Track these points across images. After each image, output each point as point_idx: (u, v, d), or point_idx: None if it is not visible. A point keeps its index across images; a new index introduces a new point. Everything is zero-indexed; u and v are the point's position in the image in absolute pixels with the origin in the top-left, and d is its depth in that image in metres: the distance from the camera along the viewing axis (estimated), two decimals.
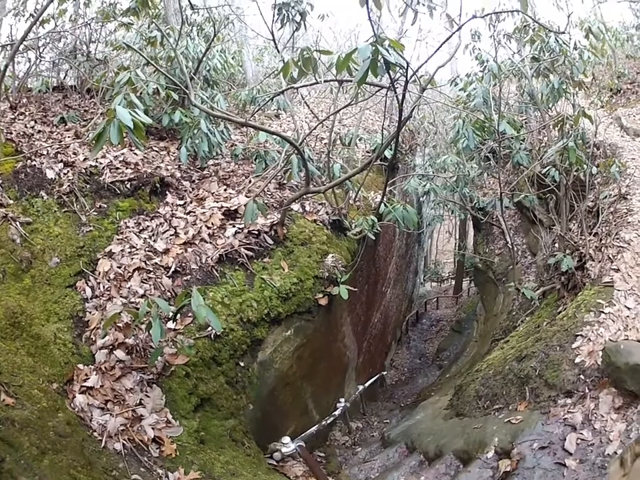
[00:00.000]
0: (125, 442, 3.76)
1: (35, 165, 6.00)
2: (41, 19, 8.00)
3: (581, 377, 4.55)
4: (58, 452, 3.13)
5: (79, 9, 8.94)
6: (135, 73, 6.02)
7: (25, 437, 3.02)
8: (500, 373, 5.61)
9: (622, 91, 14.94)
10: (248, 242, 6.24)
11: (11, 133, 6.64)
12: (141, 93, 6.59)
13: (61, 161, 6.29)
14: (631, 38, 16.02)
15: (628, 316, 5.11)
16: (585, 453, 3.85)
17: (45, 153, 6.38)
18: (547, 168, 7.97)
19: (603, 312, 5.23)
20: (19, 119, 7.33)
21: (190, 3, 6.02)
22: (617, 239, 6.67)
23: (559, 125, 7.34)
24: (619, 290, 5.57)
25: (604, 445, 3.81)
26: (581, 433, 4.03)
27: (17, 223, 5.11)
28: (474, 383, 6.01)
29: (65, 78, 9.80)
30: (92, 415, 3.86)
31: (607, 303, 5.37)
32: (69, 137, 7.17)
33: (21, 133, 6.79)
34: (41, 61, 8.89)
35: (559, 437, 4.12)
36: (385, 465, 6.22)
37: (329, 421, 7.29)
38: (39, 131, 7.13)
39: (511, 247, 10.03)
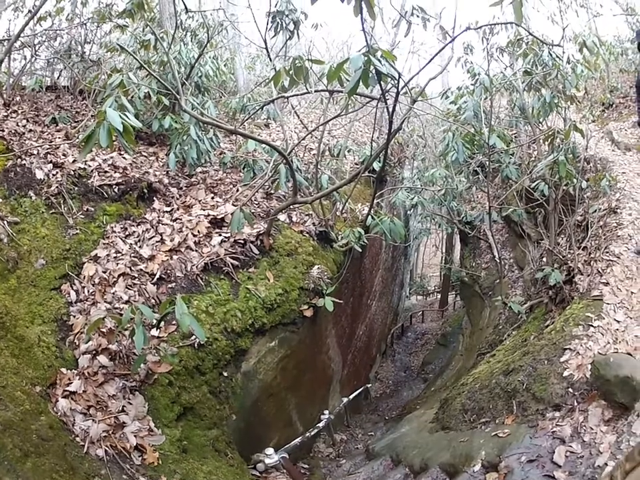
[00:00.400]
0: (107, 448, 3.72)
1: (24, 165, 5.98)
2: (38, 15, 7.99)
3: (570, 390, 4.52)
4: (41, 455, 3.10)
5: (75, 7, 8.89)
6: (127, 75, 5.97)
7: (8, 438, 3.00)
8: (486, 386, 5.57)
9: (614, 105, 15.02)
10: (234, 251, 6.20)
11: (3, 131, 6.60)
12: (132, 97, 6.55)
13: (51, 161, 6.26)
14: (625, 52, 16.04)
15: (617, 329, 5.09)
16: (574, 466, 3.80)
17: (35, 152, 6.34)
18: (536, 182, 7.98)
19: (592, 325, 5.20)
20: (11, 117, 7.28)
21: (185, 7, 5.99)
22: (607, 252, 6.67)
23: (550, 139, 7.36)
24: (608, 303, 5.55)
25: (594, 457, 3.77)
26: (570, 446, 3.98)
27: (5, 222, 5.07)
28: (460, 397, 5.97)
29: (58, 78, 9.77)
30: (74, 420, 3.81)
31: (596, 316, 5.34)
32: (59, 137, 7.14)
33: (13, 131, 6.75)
34: (36, 59, 8.88)
35: (547, 450, 4.08)
36: (369, 478, 6.16)
37: (312, 433, 7.27)
38: (30, 130, 7.09)
39: (498, 260, 10.04)
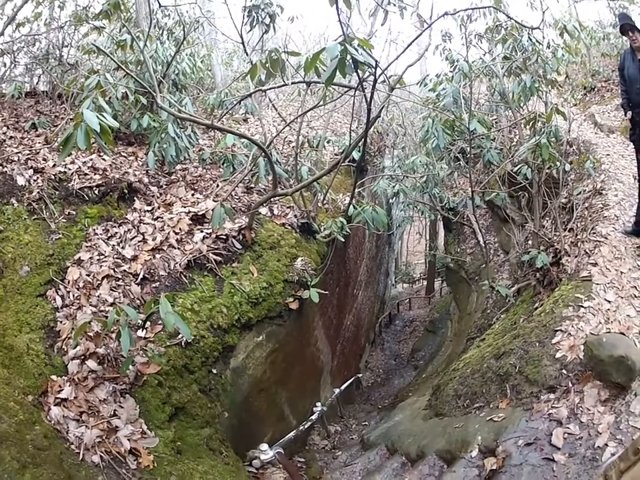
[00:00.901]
0: (102, 454, 3.68)
1: (6, 172, 5.94)
2: (16, 21, 7.90)
3: (563, 371, 4.52)
4: (38, 465, 3.08)
5: (53, 11, 8.79)
6: (104, 76, 5.90)
7: (5, 450, 2.97)
8: (478, 371, 5.57)
9: (596, 89, 15.11)
10: (216, 247, 6.18)
11: None
12: (110, 98, 6.48)
13: (31, 167, 6.21)
14: (607, 36, 15.97)
15: (609, 309, 5.11)
16: (573, 447, 3.81)
17: (15, 159, 6.29)
18: (519, 166, 7.98)
19: (582, 306, 5.22)
20: None
21: (159, 3, 5.92)
22: (594, 233, 6.70)
23: (531, 123, 7.35)
24: (597, 284, 5.57)
25: (593, 438, 3.79)
26: (568, 427, 3.99)
27: None
28: (452, 382, 5.97)
29: (37, 83, 9.71)
30: (68, 427, 3.77)
31: (586, 297, 5.36)
32: (39, 142, 7.10)
33: None
34: (15, 65, 8.79)
35: (544, 433, 4.09)
36: (366, 468, 6.14)
37: (306, 426, 7.26)
38: (11, 137, 7.05)
39: (483, 245, 10.06)
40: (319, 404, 8.08)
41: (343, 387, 9.99)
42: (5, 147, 6.61)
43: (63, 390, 4.04)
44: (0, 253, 4.93)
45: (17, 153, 6.41)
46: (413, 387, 11.93)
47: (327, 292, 7.49)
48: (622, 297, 5.29)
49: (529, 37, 8.07)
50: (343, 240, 7.52)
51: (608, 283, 5.56)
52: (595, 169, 8.24)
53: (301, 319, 7.24)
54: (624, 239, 6.53)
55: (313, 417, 7.65)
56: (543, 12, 6.95)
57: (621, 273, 5.76)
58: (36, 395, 3.91)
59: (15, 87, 7.99)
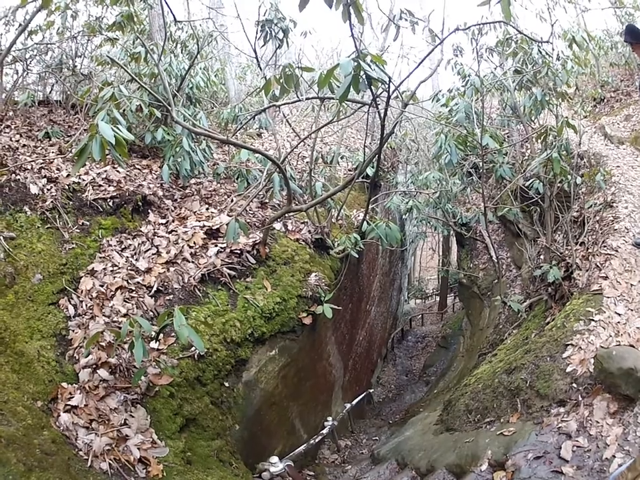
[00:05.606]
0: (111, 462, 3.67)
1: (19, 180, 5.94)
2: (29, 29, 7.98)
3: (574, 385, 4.51)
4: (44, 470, 3.06)
5: (66, 21, 8.87)
6: (118, 88, 5.97)
7: (11, 452, 2.97)
8: (489, 386, 5.55)
9: (605, 100, 14.97)
10: (230, 261, 6.21)
11: None
12: (124, 110, 6.54)
13: (45, 176, 6.24)
14: (615, 45, 15.77)
15: (619, 322, 5.09)
16: (582, 460, 3.80)
17: (29, 167, 6.32)
18: (531, 180, 7.98)
19: (592, 320, 5.20)
20: (4, 132, 7.25)
21: (174, 17, 5.98)
22: (604, 246, 6.67)
23: (542, 137, 7.36)
24: (608, 297, 5.56)
25: (601, 450, 3.77)
26: (577, 440, 3.98)
27: (1, 237, 5.03)
28: (463, 398, 5.95)
29: (50, 92, 9.75)
30: (77, 434, 3.77)
31: (597, 310, 5.35)
32: (52, 152, 7.11)
33: (6, 147, 6.71)
34: (28, 73, 8.87)
35: (553, 446, 4.07)
36: None
37: (317, 440, 7.23)
38: (24, 145, 7.05)
39: (495, 260, 10.04)
40: (329, 418, 8.06)
41: (354, 402, 9.95)
42: (18, 155, 6.63)
43: (73, 397, 4.05)
44: (12, 259, 4.96)
45: (31, 161, 6.44)
46: (424, 402, 11.86)
47: (340, 307, 7.51)
48: (632, 310, 5.27)
49: (538, 50, 8.09)
50: (357, 256, 7.54)
51: (618, 296, 5.55)
52: (605, 182, 8.21)
53: (314, 334, 7.25)
54: (634, 251, 6.49)
55: (324, 431, 7.62)
56: (552, 25, 6.97)
57: (631, 285, 5.74)
58: (45, 401, 3.92)
59: (27, 95, 8.04)
